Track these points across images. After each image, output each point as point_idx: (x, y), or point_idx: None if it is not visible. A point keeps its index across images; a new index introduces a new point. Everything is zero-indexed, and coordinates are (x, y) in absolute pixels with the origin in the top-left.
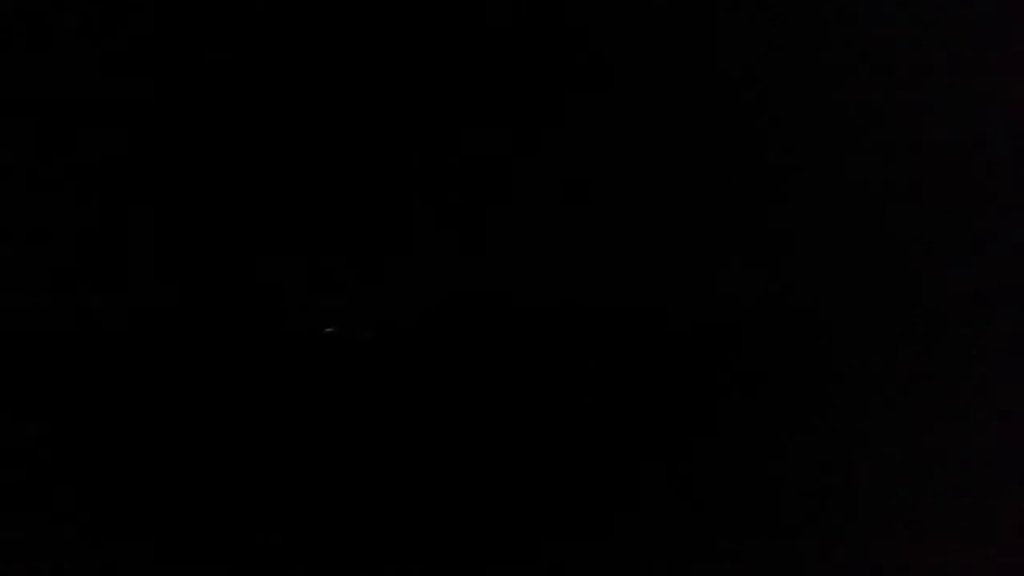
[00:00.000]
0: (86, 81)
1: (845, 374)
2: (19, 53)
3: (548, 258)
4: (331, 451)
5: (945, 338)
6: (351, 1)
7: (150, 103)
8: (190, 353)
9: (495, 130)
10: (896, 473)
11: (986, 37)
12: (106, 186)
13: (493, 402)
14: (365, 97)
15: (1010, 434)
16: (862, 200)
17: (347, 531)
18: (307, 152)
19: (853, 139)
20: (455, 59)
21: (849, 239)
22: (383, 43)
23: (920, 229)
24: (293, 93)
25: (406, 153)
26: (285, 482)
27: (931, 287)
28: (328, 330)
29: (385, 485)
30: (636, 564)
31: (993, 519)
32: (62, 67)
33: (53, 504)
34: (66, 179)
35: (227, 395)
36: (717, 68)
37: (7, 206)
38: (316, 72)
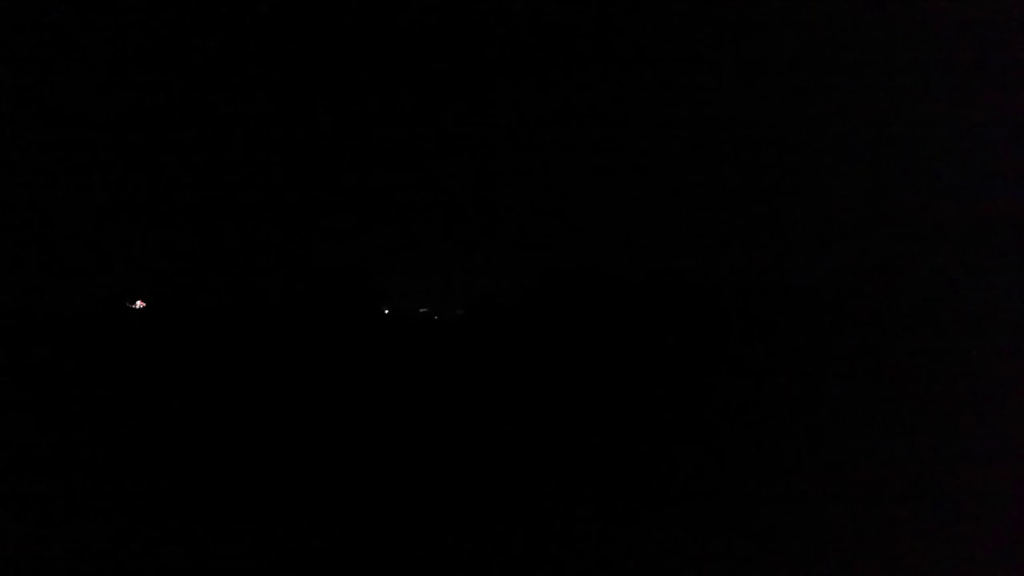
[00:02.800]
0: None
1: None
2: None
3: (631, 237)
4: (429, 428)
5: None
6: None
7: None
8: (292, 333)
9: (576, 126)
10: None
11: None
12: (214, 185)
13: (583, 379)
14: (457, 89)
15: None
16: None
17: (442, 501)
18: (401, 138)
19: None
20: (536, 66)
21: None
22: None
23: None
24: (400, 85)
25: (497, 141)
26: (383, 459)
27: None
28: (423, 310)
29: (479, 459)
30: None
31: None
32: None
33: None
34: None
35: (328, 372)
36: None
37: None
38: (429, 64)
